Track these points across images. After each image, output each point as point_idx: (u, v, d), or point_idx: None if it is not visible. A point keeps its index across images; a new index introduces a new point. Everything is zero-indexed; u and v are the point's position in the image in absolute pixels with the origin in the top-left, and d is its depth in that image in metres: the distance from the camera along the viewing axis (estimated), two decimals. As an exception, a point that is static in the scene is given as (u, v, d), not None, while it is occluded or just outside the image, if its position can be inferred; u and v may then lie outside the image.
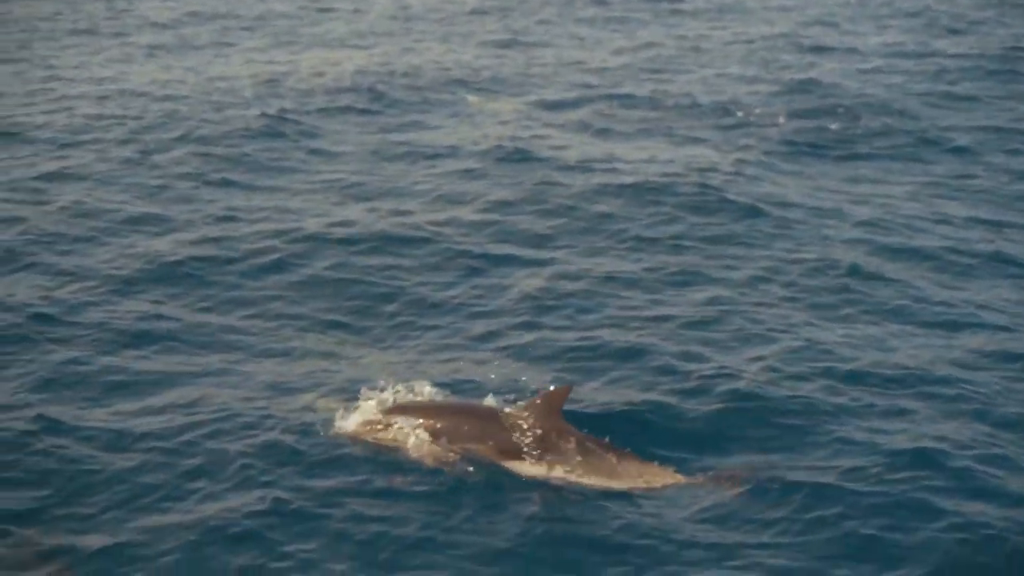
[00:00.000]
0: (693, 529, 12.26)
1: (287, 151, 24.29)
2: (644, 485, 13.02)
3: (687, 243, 19.76)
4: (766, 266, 18.73)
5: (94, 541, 11.92)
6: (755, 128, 26.31)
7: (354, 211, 20.94)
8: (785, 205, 21.36)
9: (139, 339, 16.16)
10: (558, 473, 13.07)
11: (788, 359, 15.63)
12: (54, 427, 13.81)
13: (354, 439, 13.46)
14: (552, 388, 13.63)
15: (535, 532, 12.14)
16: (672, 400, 14.63)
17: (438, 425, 13.41)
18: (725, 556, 11.83)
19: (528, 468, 13.11)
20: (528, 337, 16.36)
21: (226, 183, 22.34)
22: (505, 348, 16.12)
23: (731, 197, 21.43)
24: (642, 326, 16.70)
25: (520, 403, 13.68)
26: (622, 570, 11.61)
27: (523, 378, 14.98)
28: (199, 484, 12.86)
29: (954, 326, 16.84)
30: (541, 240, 19.95)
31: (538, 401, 13.42)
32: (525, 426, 13.30)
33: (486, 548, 11.91)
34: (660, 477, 13.14)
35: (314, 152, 24.37)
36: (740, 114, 27.33)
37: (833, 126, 26.31)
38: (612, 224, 20.53)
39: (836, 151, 25.00)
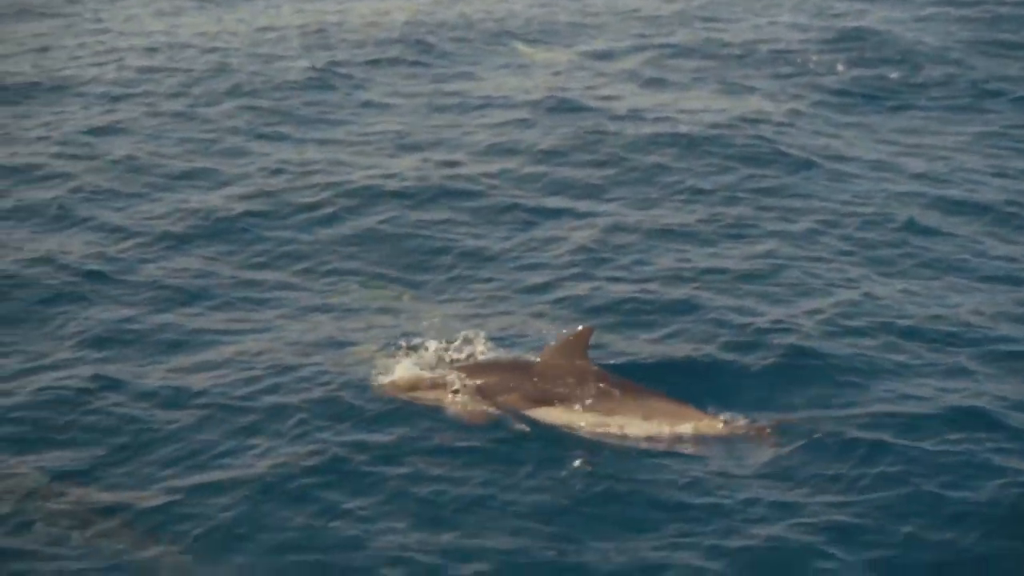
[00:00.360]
0: (754, 485, 12.15)
1: (338, 103, 24.18)
2: (679, 426, 13.00)
3: (741, 194, 19.53)
4: (822, 219, 18.51)
5: (151, 498, 11.96)
6: (810, 77, 25.92)
7: (405, 163, 20.83)
8: (841, 156, 21.09)
9: (194, 295, 16.17)
10: (595, 417, 13.06)
11: (845, 313, 15.47)
12: (111, 385, 13.85)
13: (400, 395, 13.42)
14: (575, 330, 13.63)
15: (590, 488, 12.08)
16: (727, 353, 14.53)
17: (476, 382, 13.38)
18: (788, 513, 11.71)
19: (565, 415, 13.11)
20: (581, 289, 16.27)
21: (277, 136, 22.26)
22: (559, 300, 16.03)
23: (786, 148, 21.17)
24: (696, 278, 16.57)
25: (545, 350, 13.66)
26: (680, 527, 11.53)
27: (574, 327, 14.83)
28: (256, 441, 12.88)
29: (1014, 281, 16.60)
30: (594, 191, 19.80)
31: (562, 345, 13.43)
32: (556, 374, 13.28)
33: (537, 506, 11.85)
34: (694, 418, 13.10)
35: (365, 104, 24.25)
36: (795, 63, 26.93)
37: (890, 75, 25.87)
38: (665, 175, 20.33)
39: (892, 101, 24.61)
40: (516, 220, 18.67)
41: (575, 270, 16.89)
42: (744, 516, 11.62)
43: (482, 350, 14.20)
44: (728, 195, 19.50)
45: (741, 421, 13.10)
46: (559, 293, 16.23)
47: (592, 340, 14.06)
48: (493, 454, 12.57)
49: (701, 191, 19.68)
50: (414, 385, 13.52)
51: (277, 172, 20.40)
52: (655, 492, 12.04)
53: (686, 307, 15.69)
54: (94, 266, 16.81)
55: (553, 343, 13.74)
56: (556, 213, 18.91)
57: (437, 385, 13.46)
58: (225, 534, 11.46)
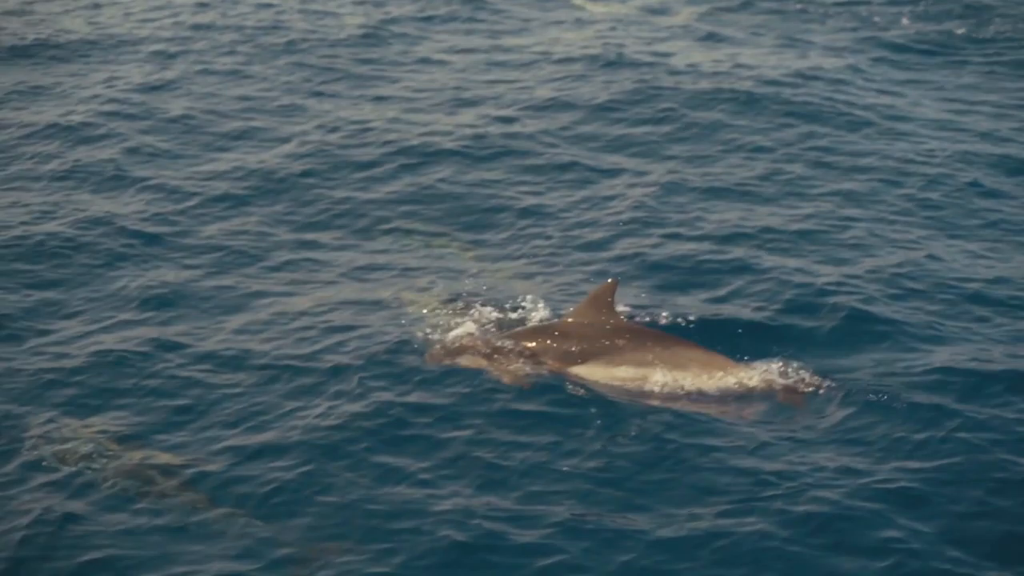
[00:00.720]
0: (817, 449, 12.01)
1: (393, 60, 24.09)
2: (715, 375, 13.01)
3: (800, 152, 19.34)
4: (883, 177, 18.31)
5: (213, 459, 11.97)
6: (872, 31, 25.59)
7: (462, 120, 20.74)
8: (904, 114, 20.85)
9: (252, 256, 16.19)
10: (633, 370, 13.07)
11: (907, 274, 15.31)
12: (171, 346, 13.89)
13: (446, 360, 13.38)
14: (601, 285, 13.60)
15: (647, 452, 11.96)
16: (786, 313, 14.42)
17: (515, 345, 13.34)
18: (851, 478, 11.53)
19: (606, 372, 13.12)
20: (639, 247, 16.17)
21: (333, 94, 22.22)
22: (616, 258, 15.95)
23: (847, 104, 20.94)
24: (754, 237, 16.45)
25: (575, 308, 13.64)
26: (742, 491, 11.39)
27: (633, 287, 14.91)
28: (317, 401, 12.84)
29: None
30: (652, 148, 19.67)
31: (589, 301, 13.43)
32: (589, 331, 13.29)
33: (595, 469, 11.75)
34: (729, 367, 13.10)
35: (420, 60, 24.14)
36: (857, 17, 26.59)
37: (956, 30, 25.49)
38: (723, 132, 20.17)
39: (956, 56, 24.25)
40: (573, 177, 18.59)
41: (633, 227, 16.80)
42: (808, 480, 11.46)
43: (536, 310, 14.18)
44: (787, 152, 19.31)
45: (775, 371, 13.08)
46: (616, 251, 16.15)
47: (649, 299, 14.07)
48: (548, 417, 12.48)
49: (760, 148, 19.50)
50: (459, 350, 13.48)
51: (333, 130, 20.35)
52: (713, 454, 11.91)
53: (743, 266, 15.58)
54: (152, 228, 16.85)
55: (582, 300, 13.71)
56: (613, 170, 18.81)
57: (481, 350, 13.42)
58: (287, 495, 11.42)
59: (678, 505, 11.22)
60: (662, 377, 13.02)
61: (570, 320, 13.51)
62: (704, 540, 10.70)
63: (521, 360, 13.22)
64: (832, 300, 14.58)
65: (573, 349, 13.26)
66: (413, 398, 12.79)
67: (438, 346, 13.54)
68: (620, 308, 13.83)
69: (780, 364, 13.14)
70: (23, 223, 16.87)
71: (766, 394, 12.92)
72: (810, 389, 12.86)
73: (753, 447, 12.02)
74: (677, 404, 12.77)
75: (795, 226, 16.72)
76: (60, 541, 10.85)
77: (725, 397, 12.91)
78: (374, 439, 12.14)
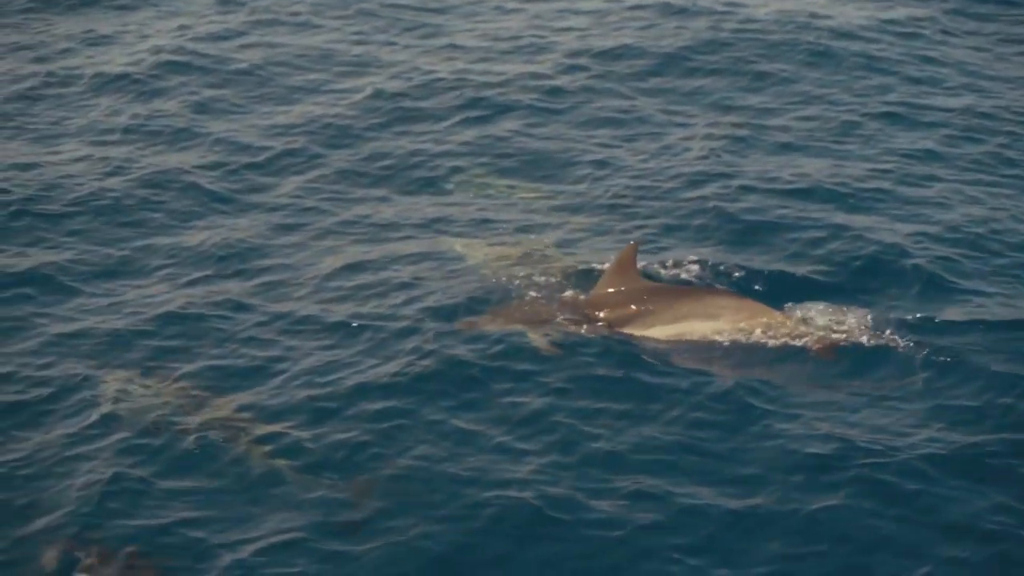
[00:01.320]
0: (900, 416, 11.88)
1: (463, 9, 23.72)
2: (746, 321, 13.02)
3: (873, 106, 18.96)
4: (960, 133, 17.96)
5: (283, 414, 12.03)
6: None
7: (532, 69, 20.52)
8: (984, 71, 20.35)
9: (322, 212, 16.15)
10: (667, 327, 13.14)
11: (982, 233, 15.14)
12: (242, 304, 13.97)
13: (489, 327, 13.30)
14: (624, 248, 13.60)
15: (710, 417, 11.88)
16: (858, 269, 14.40)
17: (551, 314, 13.33)
18: (939, 445, 11.45)
19: (637, 329, 13.13)
20: (706, 199, 16.05)
21: (403, 45, 21.98)
22: (684, 212, 15.88)
23: (924, 58, 20.53)
24: (826, 190, 16.28)
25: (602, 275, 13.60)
26: (813, 461, 11.23)
27: (701, 239, 15.01)
28: (390, 359, 12.80)
29: None
30: (720, 98, 19.43)
31: (615, 266, 13.43)
32: (618, 296, 13.31)
33: (660, 434, 11.69)
34: (758, 312, 13.10)
35: (493, 8, 23.72)
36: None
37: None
38: (797, 84, 19.86)
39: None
40: (644, 128, 18.39)
41: (703, 179, 16.66)
42: (887, 448, 11.30)
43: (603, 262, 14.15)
44: (862, 105, 18.94)
45: (813, 318, 13.09)
46: (686, 203, 16.06)
47: (710, 256, 14.18)
48: (618, 382, 12.43)
49: (834, 101, 19.19)
50: (503, 319, 13.38)
51: (405, 80, 20.20)
52: (784, 420, 11.83)
53: (814, 221, 15.44)
54: (223, 183, 16.87)
55: (608, 266, 13.67)
56: (685, 121, 18.59)
57: (524, 318, 13.35)
58: (359, 453, 11.47)
59: (751, 474, 11.11)
60: (704, 328, 13.08)
61: (601, 286, 13.51)
62: (780, 514, 10.60)
63: (555, 327, 13.16)
64: (909, 260, 14.43)
65: (614, 313, 13.26)
66: (488, 358, 12.73)
67: (475, 319, 13.44)
68: (690, 259, 14.04)
69: (833, 312, 13.14)
70: (96, 179, 16.90)
71: (790, 335, 12.93)
72: (873, 343, 12.73)
73: (825, 411, 11.94)
74: (732, 363, 12.75)
75: (870, 182, 16.49)
76: (137, 498, 10.97)
77: (747, 335, 12.95)
78: (449, 400, 12.13)
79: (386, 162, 17.52)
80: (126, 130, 18.50)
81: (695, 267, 14.20)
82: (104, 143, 18.15)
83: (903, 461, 11.05)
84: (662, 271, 14.25)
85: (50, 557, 10.26)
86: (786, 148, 17.64)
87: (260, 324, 13.56)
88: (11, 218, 15.84)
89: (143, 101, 19.55)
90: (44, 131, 18.60)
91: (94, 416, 11.98)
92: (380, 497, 10.90)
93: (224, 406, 12.15)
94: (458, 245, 15.08)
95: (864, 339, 12.85)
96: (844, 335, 12.88)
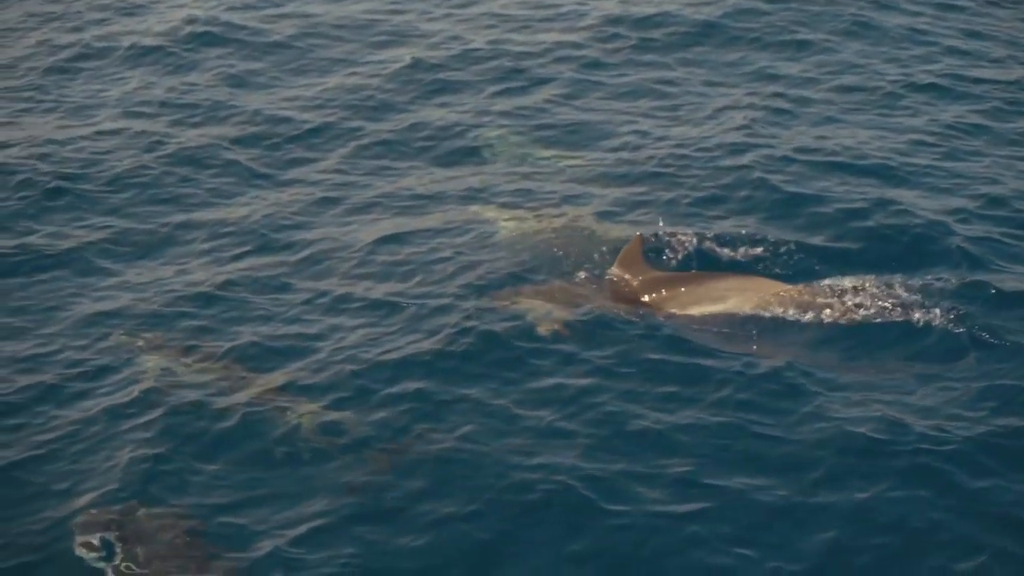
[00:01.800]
0: (938, 402, 11.74)
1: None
2: (754, 296, 12.96)
3: (917, 75, 18.72)
4: (1002, 107, 17.69)
5: (323, 390, 11.97)
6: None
7: (567, 38, 20.36)
8: (1015, 42, 20.03)
9: (359, 186, 16.05)
10: (678, 307, 13.04)
11: (1005, 205, 15.04)
12: (281, 278, 13.95)
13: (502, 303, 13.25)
14: (630, 240, 13.61)
15: (746, 400, 11.73)
16: (877, 241, 14.29)
17: (563, 297, 13.23)
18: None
19: (656, 309, 13.06)
20: (740, 170, 15.92)
21: (425, 12, 21.82)
22: (719, 185, 15.75)
23: (967, 32, 20.22)
24: (852, 161, 16.13)
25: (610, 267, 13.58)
26: (854, 449, 11.07)
27: (733, 211, 14.96)
28: (430, 335, 12.73)
29: None
30: (753, 68, 19.21)
31: (623, 257, 13.48)
32: (627, 285, 13.27)
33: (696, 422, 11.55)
34: (767, 286, 13.06)
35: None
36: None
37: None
38: (835, 53, 19.62)
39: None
40: (678, 96, 18.30)
41: (738, 149, 16.50)
42: (930, 434, 11.17)
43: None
44: (901, 78, 18.69)
45: (847, 290, 13.03)
46: (720, 175, 15.95)
47: (750, 228, 14.25)
48: (644, 364, 12.29)
49: (875, 72, 18.94)
50: (523, 296, 13.31)
51: (440, 49, 20.07)
52: (816, 401, 11.68)
53: (852, 194, 15.27)
54: (257, 156, 16.83)
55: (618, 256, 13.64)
56: (721, 90, 18.49)
57: (536, 296, 13.27)
58: (402, 433, 11.37)
59: (802, 459, 10.96)
60: (712, 307, 13.01)
61: (611, 273, 13.50)
62: (832, 501, 10.47)
63: (567, 309, 13.04)
64: (953, 235, 14.29)
65: (636, 296, 13.22)
66: (530, 337, 12.63)
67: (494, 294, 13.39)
68: (730, 230, 14.12)
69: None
70: (133, 154, 16.87)
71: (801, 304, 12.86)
72: (920, 320, 12.58)
73: (874, 391, 11.79)
74: (773, 342, 12.59)
75: (913, 155, 16.33)
76: (179, 476, 10.98)
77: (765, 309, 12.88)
78: (492, 379, 12.04)
79: (425, 133, 17.43)
80: (162, 103, 18.44)
81: (735, 240, 14.12)
82: (141, 116, 18.09)
83: (955, 446, 10.90)
84: (703, 243, 14.14)
85: (92, 531, 10.27)
86: (828, 119, 17.48)
87: (302, 300, 13.52)
88: (50, 195, 15.80)
89: (179, 73, 19.49)
90: (80, 104, 18.55)
91: (135, 394, 11.96)
92: (423, 477, 10.82)
93: (267, 383, 12.11)
94: (498, 217, 15.03)
95: (910, 315, 12.69)
96: (879, 309, 12.74)
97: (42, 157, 16.65)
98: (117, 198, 15.79)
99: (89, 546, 10.13)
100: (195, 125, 17.78)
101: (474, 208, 15.34)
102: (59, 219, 15.33)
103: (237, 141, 17.19)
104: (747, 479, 10.69)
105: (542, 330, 12.63)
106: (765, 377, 11.92)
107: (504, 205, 15.35)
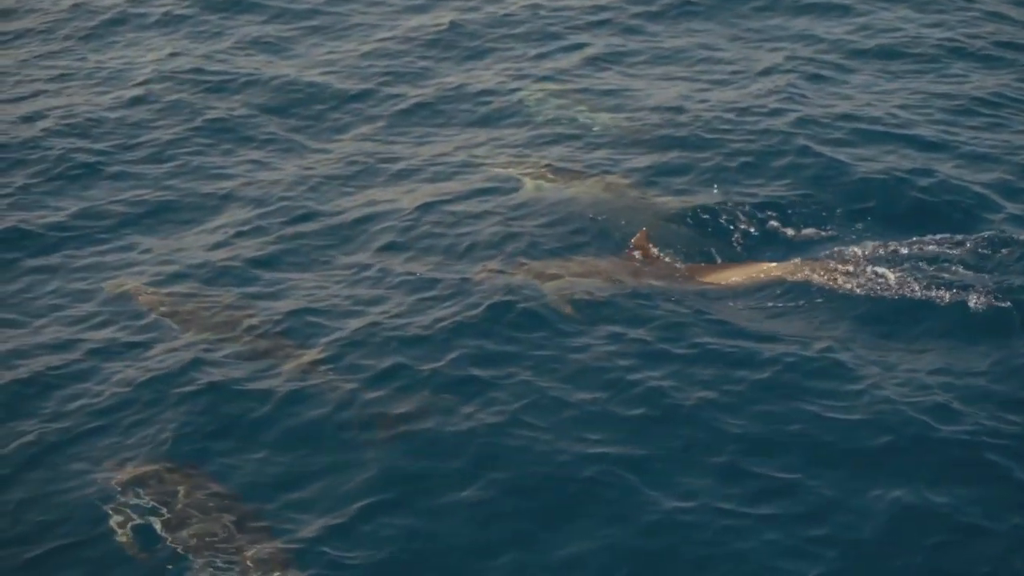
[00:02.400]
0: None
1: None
2: (749, 278, 12.85)
3: (943, 41, 18.45)
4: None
5: (350, 365, 11.91)
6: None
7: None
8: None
9: (389, 156, 15.96)
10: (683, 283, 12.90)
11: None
12: (312, 253, 13.96)
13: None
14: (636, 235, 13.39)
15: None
16: (917, 210, 14.13)
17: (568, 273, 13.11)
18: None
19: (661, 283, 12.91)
20: (776, 135, 15.76)
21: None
22: (746, 147, 15.63)
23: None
24: (895, 129, 15.90)
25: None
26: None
27: (772, 180, 14.78)
28: (452, 310, 12.64)
29: None
30: (794, 31, 19.00)
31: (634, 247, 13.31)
32: (637, 271, 13.11)
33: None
34: (757, 269, 12.94)
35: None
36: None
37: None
38: (869, 14, 19.34)
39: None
40: (716, 62, 18.14)
41: (777, 114, 16.34)
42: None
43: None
44: (945, 42, 18.37)
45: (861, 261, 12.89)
46: (756, 137, 15.80)
47: (790, 195, 14.24)
48: (682, 346, 12.12)
49: (914, 36, 18.61)
50: (533, 273, 13.17)
51: (474, 11, 19.94)
52: (865, 383, 11.44)
53: (895, 164, 15.03)
54: (283, 127, 16.78)
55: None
56: (760, 54, 18.31)
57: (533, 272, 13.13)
58: (449, 413, 11.23)
59: (856, 447, 10.73)
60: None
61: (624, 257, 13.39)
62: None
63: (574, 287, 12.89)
64: (1000, 207, 14.09)
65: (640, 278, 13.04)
66: (565, 317, 12.50)
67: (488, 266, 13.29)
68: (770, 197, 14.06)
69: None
70: (169, 124, 16.85)
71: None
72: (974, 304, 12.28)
73: (928, 373, 11.55)
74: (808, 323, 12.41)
75: (957, 126, 16.11)
76: (220, 446, 11.01)
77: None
78: (531, 359, 11.88)
79: (465, 96, 17.37)
80: (197, 71, 18.32)
81: (776, 206, 14.10)
82: (166, 84, 17.99)
83: (1011, 431, 10.69)
84: (740, 213, 14.02)
85: (137, 491, 10.41)
86: (869, 84, 17.27)
87: (339, 269, 13.48)
88: (88, 169, 15.81)
89: (213, 40, 19.41)
90: (114, 71, 18.51)
91: (177, 365, 11.95)
92: (464, 458, 10.72)
93: (306, 356, 12.06)
94: (538, 181, 14.98)
95: (956, 292, 12.45)
96: (922, 285, 12.51)
97: (79, 128, 16.63)
98: (155, 169, 15.76)
99: (132, 506, 10.25)
100: (230, 93, 17.66)
101: (513, 172, 15.23)
102: (98, 193, 15.30)
103: (273, 110, 17.13)
104: (802, 470, 10.47)
105: (566, 308, 12.47)
106: (811, 360, 11.70)
107: (544, 168, 15.25)
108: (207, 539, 9.90)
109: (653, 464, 10.57)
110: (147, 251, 14.08)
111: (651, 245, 13.31)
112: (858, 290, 12.57)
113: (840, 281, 12.67)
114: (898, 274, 12.71)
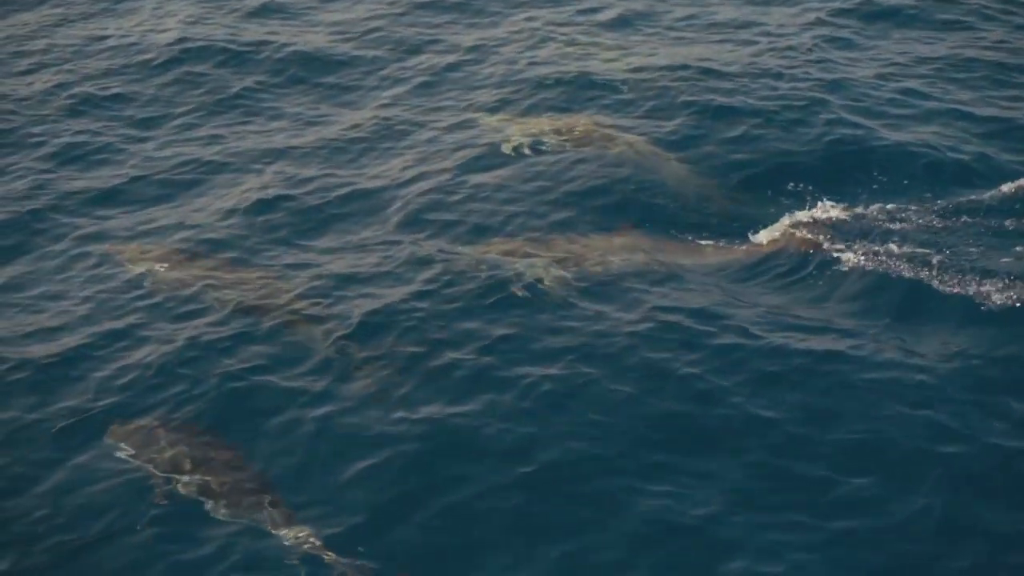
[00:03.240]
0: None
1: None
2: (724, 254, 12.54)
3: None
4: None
5: (370, 323, 11.78)
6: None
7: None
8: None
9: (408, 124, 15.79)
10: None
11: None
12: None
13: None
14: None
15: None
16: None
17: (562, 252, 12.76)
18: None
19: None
20: (796, 102, 15.39)
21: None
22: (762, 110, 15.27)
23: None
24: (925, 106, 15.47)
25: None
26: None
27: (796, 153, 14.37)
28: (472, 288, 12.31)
29: None
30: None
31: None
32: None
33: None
34: (736, 248, 12.64)
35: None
36: None
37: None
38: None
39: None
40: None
41: (803, 78, 15.99)
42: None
43: None
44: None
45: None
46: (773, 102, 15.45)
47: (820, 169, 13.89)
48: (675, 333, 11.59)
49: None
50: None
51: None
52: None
53: (923, 143, 14.50)
54: (277, 94, 16.67)
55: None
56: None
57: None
58: (475, 382, 11.00)
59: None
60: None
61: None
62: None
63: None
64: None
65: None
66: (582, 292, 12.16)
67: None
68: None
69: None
70: (168, 94, 16.78)
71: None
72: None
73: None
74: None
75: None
76: (239, 400, 11.00)
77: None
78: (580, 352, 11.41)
79: (476, 58, 17.25)
80: (206, 38, 18.21)
81: (794, 174, 13.79)
82: (181, 53, 17.88)
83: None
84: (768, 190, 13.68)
85: (155, 448, 10.38)
86: (898, 48, 17.01)
87: (357, 242, 13.30)
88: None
89: (220, 7, 19.33)
90: (128, 40, 18.41)
91: (196, 335, 11.85)
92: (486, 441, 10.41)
93: (326, 320, 11.92)
94: (537, 131, 14.90)
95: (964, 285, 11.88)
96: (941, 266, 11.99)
97: (98, 98, 16.68)
98: (152, 139, 15.69)
99: (153, 462, 10.23)
100: (244, 62, 17.59)
101: (519, 131, 15.02)
102: (114, 165, 15.18)
103: (287, 78, 17.08)
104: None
105: (546, 284, 12.15)
106: (802, 353, 11.14)
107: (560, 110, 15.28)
108: (224, 499, 9.90)
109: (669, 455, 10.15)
110: (163, 221, 13.94)
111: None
112: (892, 271, 11.97)
113: (872, 257, 12.13)
114: (940, 253, 12.17)
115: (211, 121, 16.00)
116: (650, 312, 11.59)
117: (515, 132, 14.81)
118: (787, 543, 9.26)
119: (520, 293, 11.93)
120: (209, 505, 9.80)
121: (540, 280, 12.13)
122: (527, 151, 14.43)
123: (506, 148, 14.51)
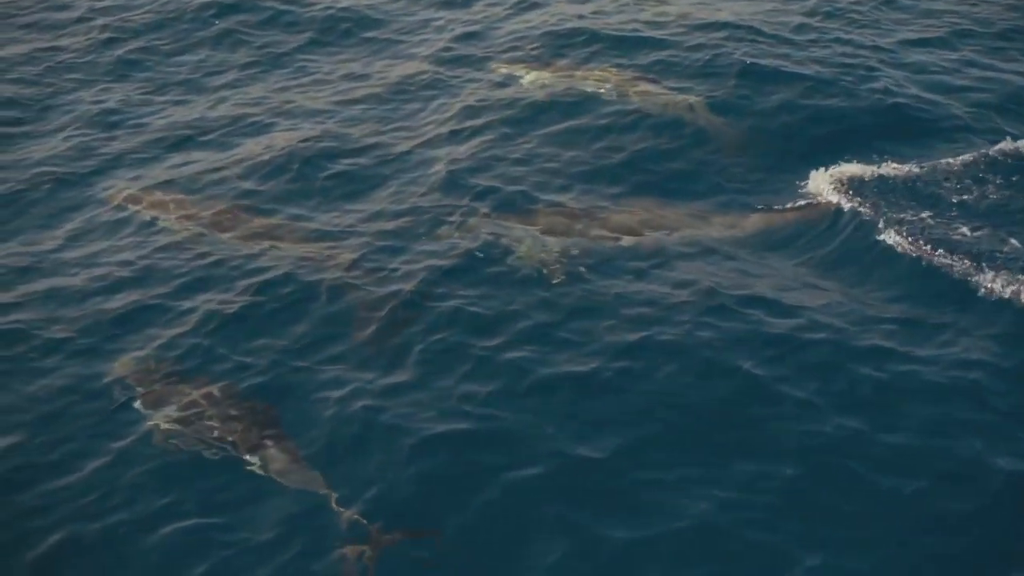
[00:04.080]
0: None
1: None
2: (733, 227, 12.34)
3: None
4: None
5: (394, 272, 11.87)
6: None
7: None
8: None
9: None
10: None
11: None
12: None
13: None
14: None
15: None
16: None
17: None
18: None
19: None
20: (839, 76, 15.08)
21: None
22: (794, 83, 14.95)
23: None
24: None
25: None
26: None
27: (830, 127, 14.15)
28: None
29: None
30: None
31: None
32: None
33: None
34: (744, 218, 12.43)
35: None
36: None
37: None
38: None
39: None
40: None
41: (845, 52, 15.70)
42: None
43: None
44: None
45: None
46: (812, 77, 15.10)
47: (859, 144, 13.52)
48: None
49: None
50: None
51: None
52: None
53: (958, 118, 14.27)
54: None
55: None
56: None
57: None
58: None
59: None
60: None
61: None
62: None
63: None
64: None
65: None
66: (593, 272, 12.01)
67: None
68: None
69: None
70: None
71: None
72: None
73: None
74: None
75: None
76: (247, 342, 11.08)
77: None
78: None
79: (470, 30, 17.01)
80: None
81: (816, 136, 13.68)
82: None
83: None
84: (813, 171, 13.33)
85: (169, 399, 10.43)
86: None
87: (400, 203, 13.17)
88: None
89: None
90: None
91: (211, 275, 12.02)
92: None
93: (344, 264, 11.98)
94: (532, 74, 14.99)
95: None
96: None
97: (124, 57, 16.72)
98: (195, 100, 15.65)
99: (163, 413, 10.27)
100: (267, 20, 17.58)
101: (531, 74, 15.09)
102: (133, 120, 15.22)
103: (319, 32, 17.11)
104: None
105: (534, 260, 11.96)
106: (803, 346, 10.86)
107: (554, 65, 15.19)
108: (233, 441, 10.00)
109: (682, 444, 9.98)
110: (179, 173, 13.98)
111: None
112: (947, 255, 11.58)
113: (923, 235, 11.77)
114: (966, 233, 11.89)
115: (258, 80, 15.99)
116: (703, 297, 11.30)
117: (554, 82, 14.76)
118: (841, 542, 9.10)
119: (559, 279, 11.69)
120: (255, 465, 9.75)
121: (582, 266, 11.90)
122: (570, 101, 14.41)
123: (535, 89, 14.58)
